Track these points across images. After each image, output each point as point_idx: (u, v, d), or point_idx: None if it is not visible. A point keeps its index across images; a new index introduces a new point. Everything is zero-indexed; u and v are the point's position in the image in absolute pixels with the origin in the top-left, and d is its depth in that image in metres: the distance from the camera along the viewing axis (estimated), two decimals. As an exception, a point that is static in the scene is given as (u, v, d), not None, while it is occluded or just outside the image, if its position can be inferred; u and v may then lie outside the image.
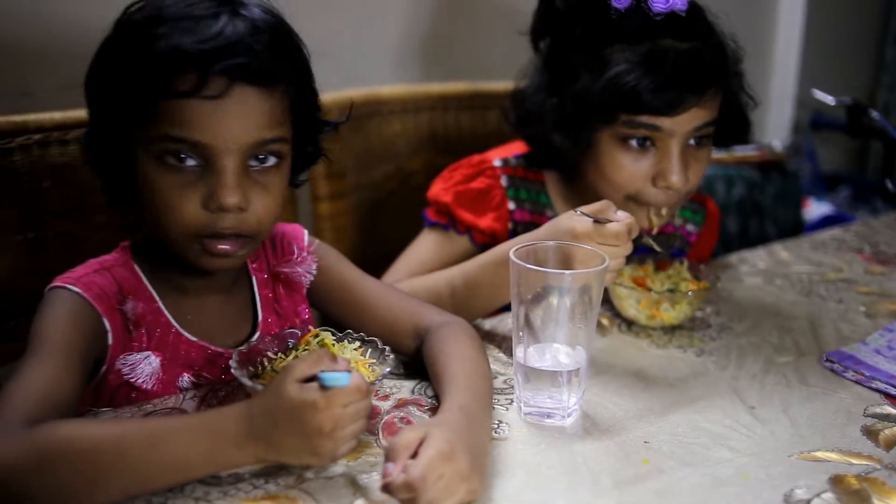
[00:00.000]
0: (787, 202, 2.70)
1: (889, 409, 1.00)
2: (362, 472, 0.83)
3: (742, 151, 2.67)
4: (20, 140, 1.20)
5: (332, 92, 1.32)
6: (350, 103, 1.22)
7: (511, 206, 1.34)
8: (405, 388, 1.02)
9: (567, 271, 0.91)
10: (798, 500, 0.81)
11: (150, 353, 0.96)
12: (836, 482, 0.84)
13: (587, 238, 1.01)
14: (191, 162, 0.89)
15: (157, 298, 0.97)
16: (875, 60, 3.58)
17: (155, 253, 0.99)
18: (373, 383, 0.88)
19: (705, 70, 1.16)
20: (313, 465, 0.83)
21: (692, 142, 1.21)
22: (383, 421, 0.93)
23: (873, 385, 1.05)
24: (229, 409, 0.79)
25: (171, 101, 0.86)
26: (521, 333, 0.94)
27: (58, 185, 1.23)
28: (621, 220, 1.03)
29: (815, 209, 2.95)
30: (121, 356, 0.95)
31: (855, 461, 0.88)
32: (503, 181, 1.35)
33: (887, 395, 1.03)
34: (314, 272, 1.08)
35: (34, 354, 0.86)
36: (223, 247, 0.92)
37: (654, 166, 1.20)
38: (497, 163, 1.36)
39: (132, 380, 0.95)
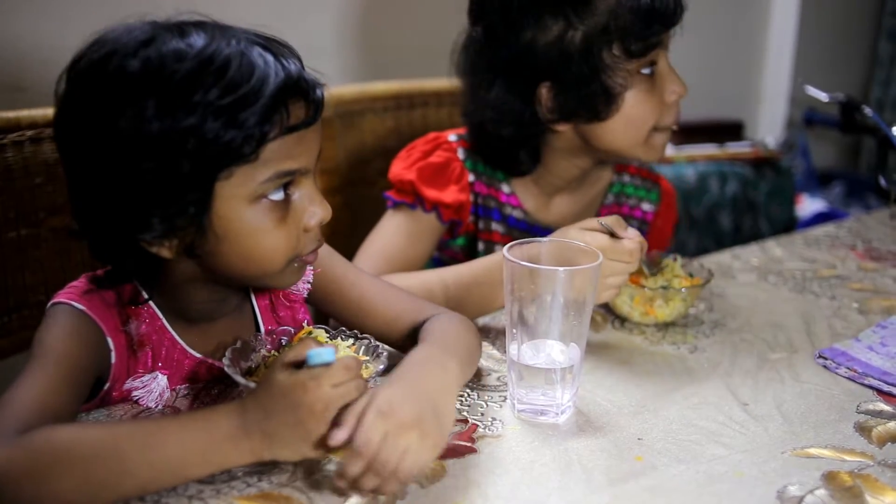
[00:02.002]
0: (781, 199, 2.71)
1: (882, 406, 1.00)
2: (356, 469, 0.83)
3: (735, 148, 2.68)
4: (13, 136, 1.20)
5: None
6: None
7: (471, 177, 1.35)
8: (399, 385, 1.01)
9: (560, 268, 0.91)
10: (791, 497, 0.81)
11: (157, 372, 0.96)
12: (829, 479, 0.84)
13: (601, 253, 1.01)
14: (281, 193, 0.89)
15: (161, 316, 0.96)
16: (868, 56, 3.59)
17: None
18: (367, 381, 0.87)
19: None
20: (309, 457, 0.82)
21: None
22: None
23: (866, 381, 1.05)
24: (223, 406, 0.79)
25: (276, 141, 0.84)
26: (514, 330, 0.94)
27: (50, 181, 1.23)
28: (633, 237, 1.04)
29: (808, 206, 2.96)
30: (129, 379, 0.94)
31: (848, 458, 0.89)
32: (460, 154, 1.36)
33: (880, 392, 1.03)
34: (311, 280, 1.06)
35: (34, 364, 0.85)
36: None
37: (661, 86, 1.25)
38: (452, 137, 1.38)
39: (141, 401, 0.94)
